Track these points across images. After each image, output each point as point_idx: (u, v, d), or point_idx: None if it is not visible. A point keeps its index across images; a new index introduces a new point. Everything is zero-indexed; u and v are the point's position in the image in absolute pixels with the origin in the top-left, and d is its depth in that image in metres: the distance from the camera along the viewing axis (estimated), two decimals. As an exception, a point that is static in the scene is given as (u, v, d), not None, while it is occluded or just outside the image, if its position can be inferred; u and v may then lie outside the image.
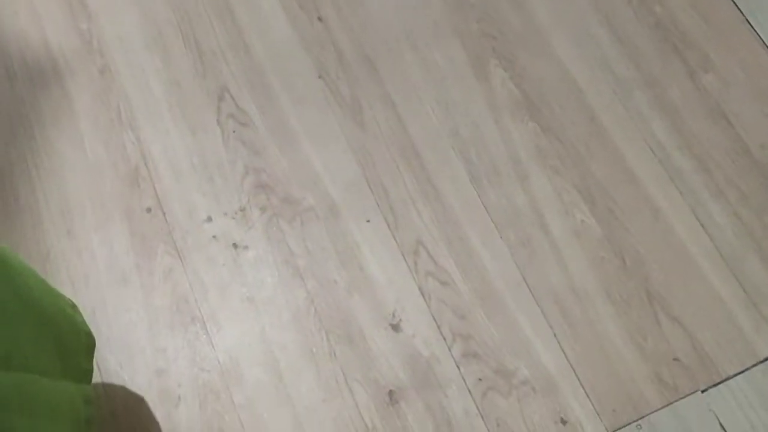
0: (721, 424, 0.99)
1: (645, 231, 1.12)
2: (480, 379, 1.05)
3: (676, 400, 1.01)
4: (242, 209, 1.18)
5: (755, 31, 1.24)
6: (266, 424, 1.04)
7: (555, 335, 1.06)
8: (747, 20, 1.24)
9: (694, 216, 1.12)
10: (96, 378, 1.09)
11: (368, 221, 1.16)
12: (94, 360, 1.09)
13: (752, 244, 1.10)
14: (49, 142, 1.23)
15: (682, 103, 1.20)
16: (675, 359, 1.03)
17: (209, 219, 1.18)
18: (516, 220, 1.14)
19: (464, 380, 1.05)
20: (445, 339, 1.07)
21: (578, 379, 1.03)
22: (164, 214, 1.18)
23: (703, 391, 1.01)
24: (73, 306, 0.96)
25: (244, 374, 1.08)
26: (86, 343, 0.94)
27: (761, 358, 1.03)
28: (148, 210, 1.19)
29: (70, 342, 0.88)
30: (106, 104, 1.25)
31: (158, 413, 1.06)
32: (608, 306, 1.07)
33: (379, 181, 1.18)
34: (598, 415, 1.01)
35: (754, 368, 1.02)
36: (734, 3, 1.26)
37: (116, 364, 1.10)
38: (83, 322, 0.96)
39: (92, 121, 1.24)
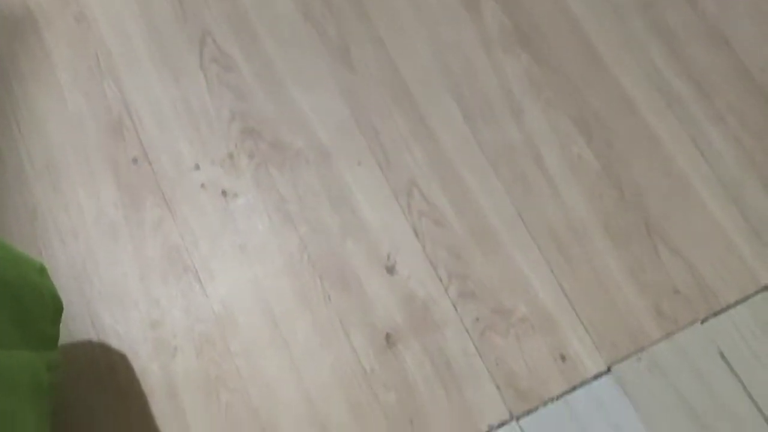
0: (721, 353, 0.98)
1: (643, 162, 1.08)
2: (477, 319, 1.03)
3: (676, 332, 0.99)
4: (230, 156, 1.15)
5: (756, -52, 1.18)
6: (263, 371, 1.04)
7: (552, 271, 1.04)
8: (748, -62, 1.19)
9: (693, 144, 1.08)
10: (90, 333, 1.08)
11: (359, 164, 1.13)
12: (88, 316, 1.08)
13: (753, 170, 1.06)
14: (29, 95, 1.20)
15: (681, 28, 1.15)
16: (675, 291, 1.01)
17: (197, 167, 1.15)
18: (511, 157, 1.11)
19: (461, 320, 1.03)
20: (441, 280, 1.05)
21: (577, 315, 1.02)
22: (151, 164, 1.16)
23: (702, 321, 0.99)
24: (41, 270, 0.94)
25: (239, 322, 1.06)
26: (52, 309, 0.93)
27: (762, 286, 1.00)
28: (134, 161, 1.16)
29: (32, 310, 0.87)
30: (83, 53, 1.21)
31: (155, 365, 1.06)
32: (606, 240, 1.05)
33: (369, 122, 1.15)
34: (597, 349, 1.00)
35: (756, 296, 1.00)
36: None
37: (110, 318, 1.09)
38: (50, 286, 0.94)
39: (71, 72, 1.21)
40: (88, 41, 1.22)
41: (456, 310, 1.04)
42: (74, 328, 1.09)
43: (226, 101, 1.18)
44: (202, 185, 1.14)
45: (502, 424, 0.98)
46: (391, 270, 1.07)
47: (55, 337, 0.95)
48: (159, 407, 1.03)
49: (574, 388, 0.98)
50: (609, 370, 0.99)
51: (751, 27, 1.14)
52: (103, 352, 1.07)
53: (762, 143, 1.07)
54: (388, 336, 1.03)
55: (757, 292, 1.00)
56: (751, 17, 1.15)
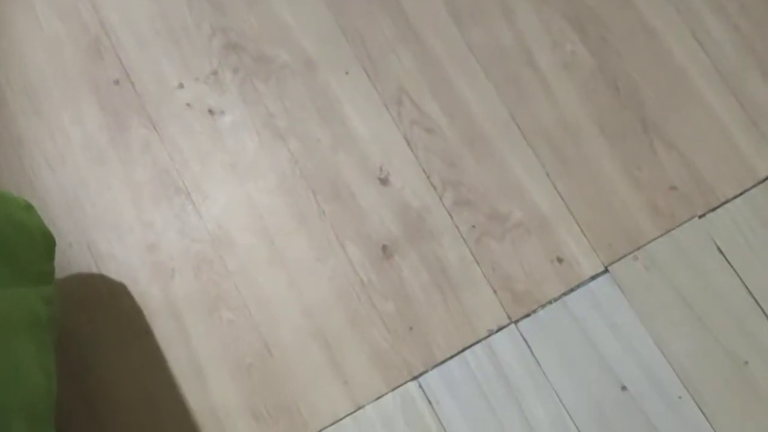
0: (719, 248, 0.97)
1: (639, 55, 1.04)
2: (473, 226, 1.02)
3: (673, 228, 0.98)
4: (214, 72, 1.12)
5: None
6: (262, 288, 1.04)
7: (547, 174, 1.02)
8: None
9: (691, 34, 1.04)
10: (88, 260, 1.08)
11: (347, 73, 1.09)
12: (84, 244, 1.08)
13: (753, 59, 1.02)
14: (1, 19, 1.16)
15: None
16: (672, 187, 1.00)
17: (181, 86, 1.12)
18: (502, 58, 1.07)
19: (457, 228, 1.02)
20: (435, 188, 1.04)
21: (573, 217, 1.01)
22: (133, 84, 1.13)
23: (700, 217, 0.98)
24: (27, 208, 0.93)
25: (235, 241, 1.06)
26: (43, 245, 0.92)
27: (761, 178, 0.99)
28: (116, 82, 1.13)
29: (21, 248, 0.86)
30: (53, -29, 1.16)
31: (155, 288, 1.06)
32: (601, 139, 1.02)
33: (354, 28, 1.11)
34: (593, 250, 0.99)
35: (754, 189, 0.98)
36: None
37: (106, 243, 1.08)
38: (39, 222, 0.93)
39: (42, -9, 1.16)
40: (57, -42, 1.17)
41: (451, 218, 1.03)
42: (72, 256, 1.09)
43: (206, 15, 1.13)
44: (188, 104, 1.11)
45: (500, 328, 0.99)
46: (384, 181, 1.05)
47: (50, 271, 0.95)
48: (162, 329, 1.04)
49: (571, 290, 0.99)
50: (606, 270, 0.98)
51: None
52: (102, 279, 1.08)
53: (762, 31, 1.03)
54: (384, 247, 1.03)
55: (755, 185, 0.98)
56: None
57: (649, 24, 1.06)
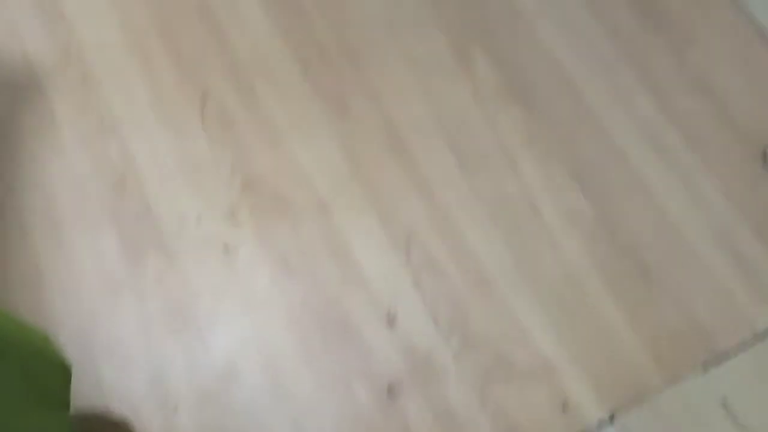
0: (723, 402, 0.98)
1: (637, 210, 1.10)
2: (478, 370, 1.04)
3: (677, 380, 1.00)
4: (231, 211, 1.17)
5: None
6: (266, 424, 1.04)
7: (551, 321, 1.05)
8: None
9: (685, 192, 1.11)
10: (93, 387, 1.08)
11: (358, 216, 1.15)
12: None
13: (744, 218, 1.09)
14: (32, 154, 1.22)
15: (668, 79, 1.19)
16: (674, 339, 1.02)
17: (199, 222, 1.16)
18: (507, 207, 1.13)
19: (463, 371, 1.04)
20: (441, 331, 1.06)
21: (577, 364, 1.02)
22: (153, 219, 1.17)
23: (704, 370, 1.00)
24: (46, 339, 0.95)
25: (241, 376, 1.07)
26: (62, 375, 0.93)
27: (759, 331, 1.02)
28: (137, 215, 1.18)
29: (44, 376, 0.87)
30: (87, 112, 1.24)
31: (157, 420, 1.06)
32: (604, 288, 1.06)
33: (367, 174, 1.17)
34: (599, 398, 1.00)
35: (754, 341, 1.01)
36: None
37: (113, 373, 1.09)
38: (57, 353, 0.95)
39: (75, 131, 1.23)
40: (92, 100, 1.25)
41: (457, 361, 1.04)
42: (78, 384, 1.08)
43: (227, 156, 1.20)
44: (204, 239, 1.15)
45: (506, 476, 0.98)
46: (391, 322, 1.08)
47: (68, 400, 0.95)
48: (162, 464, 1.03)
49: (577, 438, 0.99)
50: (611, 419, 0.99)
51: (737, 77, 1.18)
52: (107, 410, 1.07)
53: (752, 192, 1.10)
54: (390, 388, 1.04)
55: (755, 338, 1.01)
56: (733, 66, 1.19)
57: (644, 181, 1.13)
